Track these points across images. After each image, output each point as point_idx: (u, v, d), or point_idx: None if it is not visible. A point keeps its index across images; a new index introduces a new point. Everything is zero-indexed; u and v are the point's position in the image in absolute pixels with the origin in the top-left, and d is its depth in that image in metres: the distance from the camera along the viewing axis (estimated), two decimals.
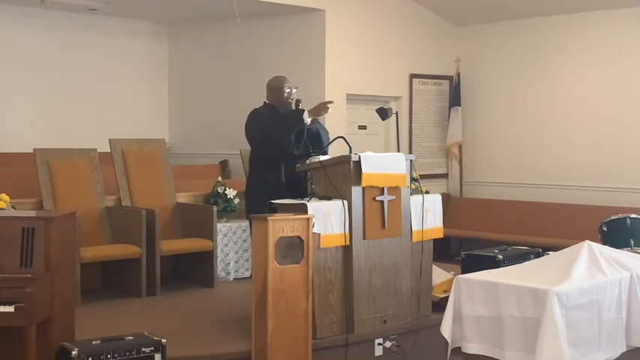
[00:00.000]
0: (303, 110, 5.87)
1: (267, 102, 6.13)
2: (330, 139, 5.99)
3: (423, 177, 6.89)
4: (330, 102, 5.98)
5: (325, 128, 6.22)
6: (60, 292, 4.52)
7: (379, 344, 5.58)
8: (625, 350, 4.82)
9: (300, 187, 5.65)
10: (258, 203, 5.60)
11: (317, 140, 5.97)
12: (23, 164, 7.83)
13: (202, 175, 8.88)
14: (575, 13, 9.57)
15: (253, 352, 4.97)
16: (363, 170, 5.43)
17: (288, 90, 6.06)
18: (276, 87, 6.10)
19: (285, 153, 5.84)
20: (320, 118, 6.14)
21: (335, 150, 6.07)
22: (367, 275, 5.54)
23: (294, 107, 6.00)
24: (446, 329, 4.78)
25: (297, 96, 6.10)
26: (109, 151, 7.31)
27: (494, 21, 10.28)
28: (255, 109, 6.12)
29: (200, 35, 10.25)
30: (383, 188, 5.57)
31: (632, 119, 9.21)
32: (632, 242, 6.64)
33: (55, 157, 6.94)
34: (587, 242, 5.03)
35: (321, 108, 5.91)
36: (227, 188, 7.62)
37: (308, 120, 5.84)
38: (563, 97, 9.79)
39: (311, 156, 5.69)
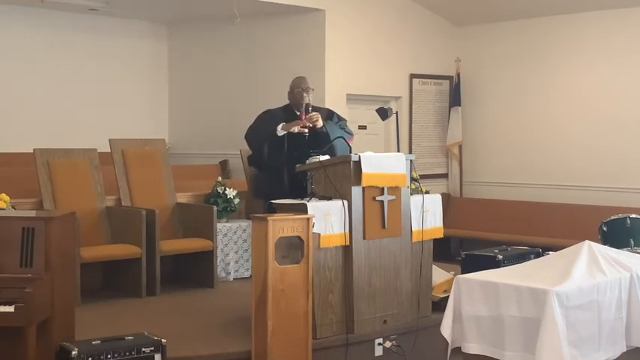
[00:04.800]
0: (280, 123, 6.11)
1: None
2: (332, 140, 6.02)
3: (423, 177, 6.89)
4: (305, 127, 6.05)
5: (345, 131, 6.30)
6: (60, 292, 4.52)
7: (379, 344, 5.58)
8: (625, 350, 4.83)
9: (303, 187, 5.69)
10: (265, 188, 6.03)
11: (325, 142, 6.00)
12: (23, 164, 7.83)
13: (202, 175, 8.88)
14: (575, 13, 9.57)
15: (253, 352, 4.97)
16: (363, 170, 5.43)
17: (299, 92, 6.19)
18: (291, 88, 6.30)
19: (260, 158, 6.11)
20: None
21: None
22: (367, 275, 5.54)
23: (303, 110, 6.13)
24: (446, 329, 4.78)
25: (310, 98, 6.25)
26: (109, 151, 7.31)
27: (494, 21, 10.28)
28: (269, 109, 6.34)
29: (200, 35, 10.25)
30: (383, 188, 5.57)
31: (632, 119, 9.21)
32: (632, 242, 6.64)
33: (55, 157, 6.94)
34: (587, 242, 5.03)
35: (294, 124, 6.06)
36: (227, 188, 7.61)
37: (280, 132, 6.04)
38: (563, 97, 9.79)
39: (311, 156, 5.72)
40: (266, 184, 6.22)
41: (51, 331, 4.45)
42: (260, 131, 6.15)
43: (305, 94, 6.17)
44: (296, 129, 6.01)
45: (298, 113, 6.16)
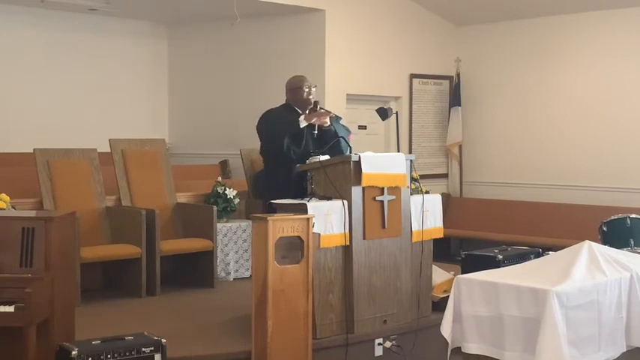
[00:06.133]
0: (299, 114, 6.05)
1: (287, 102, 6.26)
2: (332, 141, 6.01)
3: (423, 177, 6.90)
4: (330, 114, 6.06)
5: (345, 128, 6.30)
6: (60, 292, 4.52)
7: (379, 344, 5.58)
8: (625, 350, 4.82)
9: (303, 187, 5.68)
10: (265, 192, 5.95)
11: (333, 139, 6.00)
12: (23, 164, 7.83)
13: (202, 175, 8.88)
14: (575, 13, 9.57)
15: (253, 352, 4.98)
16: (363, 170, 5.43)
17: (307, 90, 6.18)
18: (295, 87, 6.22)
19: (281, 154, 5.94)
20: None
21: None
22: (367, 275, 5.54)
23: (312, 107, 6.12)
24: (446, 329, 4.77)
25: (315, 96, 6.24)
26: (109, 151, 7.31)
27: (494, 21, 10.28)
28: (271, 108, 6.27)
29: (200, 35, 10.25)
30: (383, 188, 5.57)
31: (632, 119, 9.21)
32: (632, 242, 6.65)
33: (55, 157, 6.94)
34: (587, 242, 5.03)
35: (318, 115, 6.01)
36: (227, 188, 7.61)
37: (303, 124, 5.98)
38: (563, 97, 9.79)
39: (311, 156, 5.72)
40: (265, 184, 6.21)
41: (51, 331, 4.45)
42: (279, 122, 6.02)
43: (313, 90, 6.19)
44: (319, 121, 5.97)
45: (301, 112, 6.14)
